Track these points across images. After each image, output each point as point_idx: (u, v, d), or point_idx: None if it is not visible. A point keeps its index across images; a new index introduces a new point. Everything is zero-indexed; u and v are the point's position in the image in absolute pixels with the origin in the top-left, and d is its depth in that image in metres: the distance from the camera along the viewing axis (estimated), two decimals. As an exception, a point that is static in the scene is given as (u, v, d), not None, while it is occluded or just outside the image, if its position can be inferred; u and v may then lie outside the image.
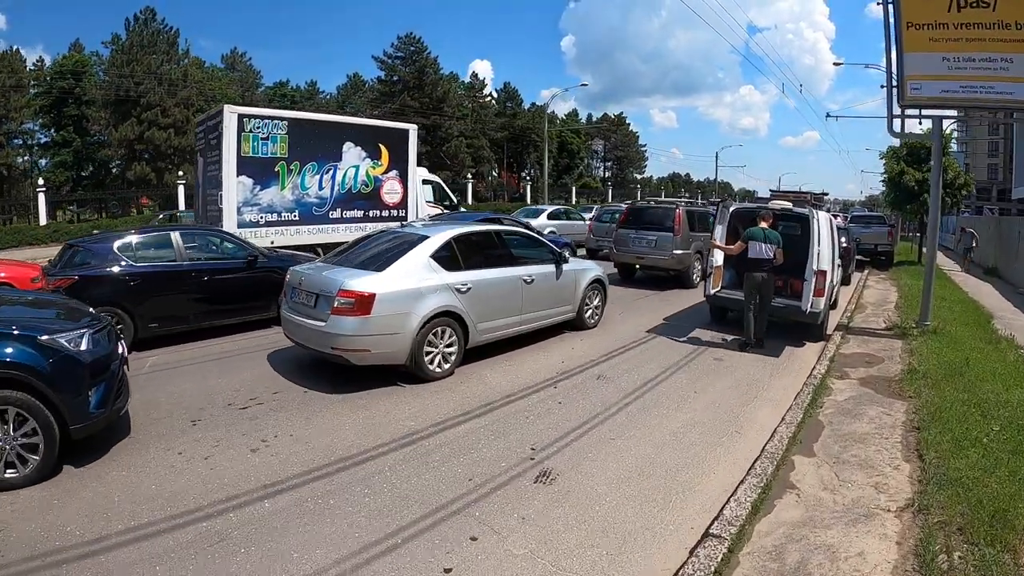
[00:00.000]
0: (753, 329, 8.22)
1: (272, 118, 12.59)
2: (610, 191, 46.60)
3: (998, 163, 61.19)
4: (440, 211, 16.57)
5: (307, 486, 4.05)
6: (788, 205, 9.02)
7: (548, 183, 54.31)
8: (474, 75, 52.58)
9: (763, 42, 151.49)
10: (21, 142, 47.60)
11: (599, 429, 5.26)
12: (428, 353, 6.33)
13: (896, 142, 21.09)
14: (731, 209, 9.49)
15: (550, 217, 19.60)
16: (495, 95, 55.11)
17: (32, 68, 47.83)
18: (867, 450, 4.77)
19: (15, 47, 46.64)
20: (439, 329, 6.44)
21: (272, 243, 11.95)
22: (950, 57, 8.67)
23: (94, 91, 44.68)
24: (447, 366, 6.54)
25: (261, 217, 12.39)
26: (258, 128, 12.24)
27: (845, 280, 15.25)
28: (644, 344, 8.58)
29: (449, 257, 6.82)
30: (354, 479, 4.19)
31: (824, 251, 8.50)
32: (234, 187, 11.95)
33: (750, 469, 4.42)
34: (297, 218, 12.85)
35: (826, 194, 24.58)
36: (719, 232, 9.31)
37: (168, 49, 44.54)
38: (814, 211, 8.23)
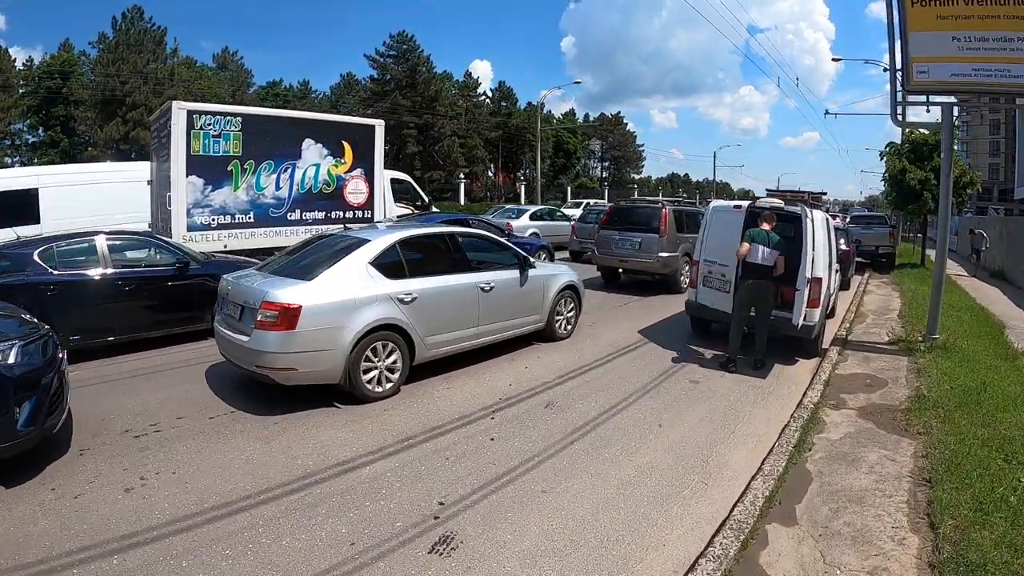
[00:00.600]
0: (756, 343, 7.27)
1: (224, 114, 11.80)
2: (606, 191, 45.50)
3: (999, 163, 60.16)
4: (410, 211, 15.64)
5: (165, 540, 3.38)
6: (779, 203, 7.98)
7: (544, 183, 53.41)
8: (468, 74, 51.73)
9: (764, 42, 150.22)
10: (10, 143, 46.82)
11: (530, 477, 4.27)
12: (367, 371, 5.63)
13: (897, 138, 20.01)
14: (711, 206, 8.45)
15: (532, 218, 18.57)
16: (490, 94, 54.14)
17: (22, 68, 47.10)
18: (864, 515, 3.72)
19: (3, 46, 45.86)
20: (379, 344, 5.71)
21: (225, 247, 11.25)
22: (960, 37, 7.61)
23: (81, 91, 43.86)
24: (390, 385, 5.80)
25: (213, 219, 11.61)
26: (209, 125, 11.47)
27: (844, 285, 14.19)
28: (613, 360, 7.57)
29: (392, 264, 6.07)
30: (219, 535, 3.45)
31: (819, 256, 7.48)
32: (183, 188, 11.19)
33: (707, 547, 3.38)
34: (252, 220, 12.05)
35: (824, 193, 23.49)
36: (706, 234, 8.30)
37: (155, 48, 43.80)
38: (808, 210, 7.16)
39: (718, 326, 8.49)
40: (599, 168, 65.90)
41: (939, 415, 5.41)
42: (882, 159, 18.90)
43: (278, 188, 12.36)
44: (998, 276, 18.98)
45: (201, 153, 11.39)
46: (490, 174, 54.50)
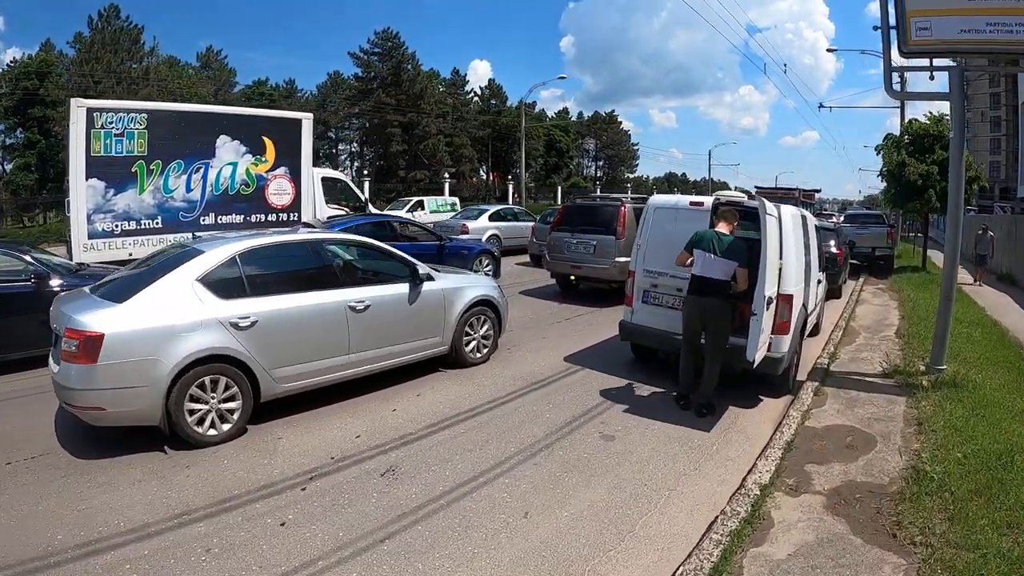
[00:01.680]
0: (703, 381, 5.51)
1: (128, 111, 10.75)
2: (598, 190, 43.62)
3: (1000, 160, 58.23)
4: (345, 213, 13.97)
5: None
6: (739, 196, 6.15)
7: (536, 183, 51.66)
8: (455, 71, 49.84)
9: (764, 42, 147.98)
10: (-12, 144, 45.38)
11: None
12: (195, 411, 4.56)
13: (896, 128, 18.13)
14: (654, 205, 6.61)
15: (492, 219, 16.73)
16: (479, 92, 52.21)
17: (7, 67, 45.63)
18: None
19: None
20: (207, 380, 4.61)
21: (130, 255, 10.18)
22: (973, -19, 5.81)
23: (57, 91, 42.25)
24: (228, 427, 4.69)
25: (116, 226, 10.57)
26: (111, 123, 10.47)
27: (834, 293, 12.32)
28: (517, 399, 5.86)
29: (228, 280, 4.89)
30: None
31: (791, 265, 5.68)
32: (83, 192, 10.24)
33: None
34: (160, 225, 10.93)
35: (818, 191, 21.59)
36: (644, 238, 6.50)
37: (131, 47, 42.10)
38: (769, 205, 5.29)
39: (665, 353, 6.68)
40: (593, 167, 63.93)
41: (945, 508, 3.62)
42: (879, 153, 16.97)
43: (189, 190, 11.25)
44: (1006, 280, 17.08)
45: (103, 154, 10.42)
46: (482, 174, 52.74)
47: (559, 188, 44.35)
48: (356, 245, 6.42)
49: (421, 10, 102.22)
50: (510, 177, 41.08)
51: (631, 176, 63.64)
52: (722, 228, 5.39)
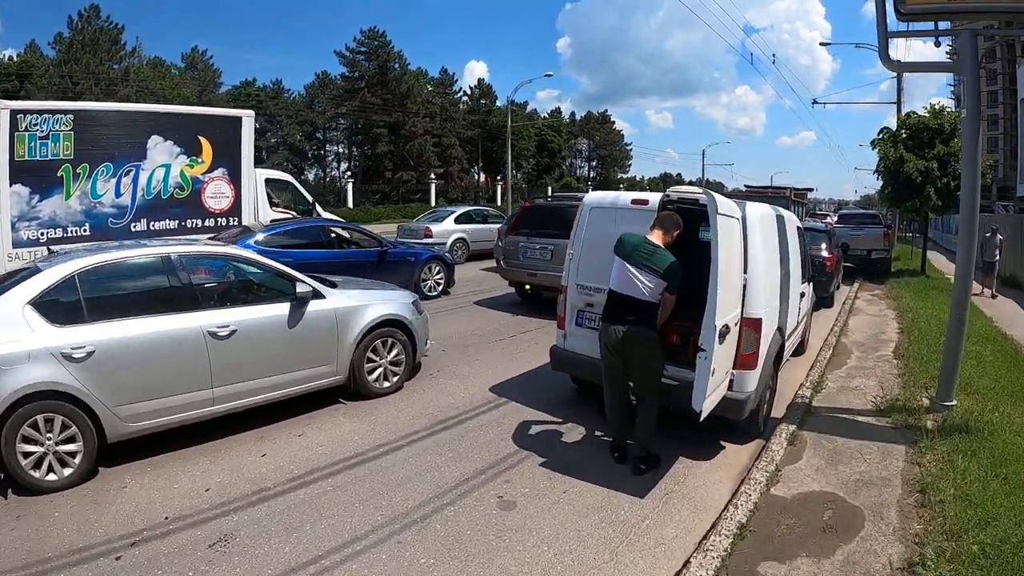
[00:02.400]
0: (638, 428, 4.26)
1: (54, 112, 9.80)
2: (589, 190, 42.34)
3: (998, 158, 57.03)
4: (291, 216, 12.72)
5: None
6: (697, 192, 4.83)
7: (527, 183, 50.38)
8: (444, 71, 48.45)
9: (760, 42, 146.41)
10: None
11: None
12: (30, 454, 3.81)
13: (892, 121, 16.83)
14: (589, 206, 5.31)
15: (460, 221, 15.43)
16: (469, 92, 50.84)
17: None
18: None
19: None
20: (42, 418, 3.85)
21: None
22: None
23: (37, 93, 41.07)
24: (69, 472, 3.93)
25: (41, 234, 9.65)
26: (36, 125, 9.59)
27: (825, 301, 11.01)
28: (415, 443, 4.70)
29: (63, 304, 4.12)
30: None
31: (757, 281, 4.38)
32: (6, 199, 9.41)
33: None
34: (88, 232, 9.94)
35: (811, 189, 20.32)
36: (578, 244, 5.21)
37: (110, 47, 40.88)
38: (722, 202, 3.92)
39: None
40: (586, 167, 62.52)
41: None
42: (875, 148, 15.64)
43: (118, 194, 10.25)
44: (1010, 284, 15.79)
45: (27, 158, 9.56)
46: (476, 175, 51.43)
47: (549, 188, 43.05)
48: (225, 258, 5.14)
49: (418, 11, 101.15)
50: (499, 178, 39.71)
51: (624, 176, 62.15)
52: (656, 238, 4.08)
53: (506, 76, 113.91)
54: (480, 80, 46.42)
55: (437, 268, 10.74)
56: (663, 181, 71.83)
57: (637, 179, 70.95)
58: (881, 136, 15.43)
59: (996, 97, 60.44)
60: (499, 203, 35.99)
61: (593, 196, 5.31)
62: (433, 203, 34.60)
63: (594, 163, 62.10)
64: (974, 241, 5.05)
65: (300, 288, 5.01)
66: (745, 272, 4.29)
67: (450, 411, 5.41)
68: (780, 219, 5.53)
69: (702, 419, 3.74)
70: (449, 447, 4.64)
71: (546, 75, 43.45)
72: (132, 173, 10.34)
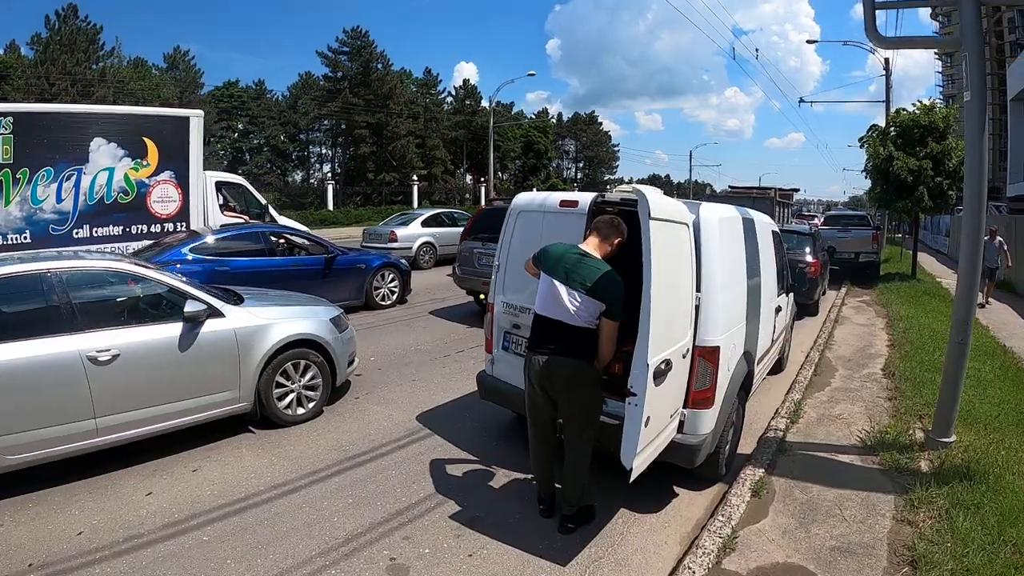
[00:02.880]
0: (565, 479, 3.45)
1: None
2: (578, 190, 41.55)
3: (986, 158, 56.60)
4: (244, 221, 11.87)
5: None
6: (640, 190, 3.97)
7: (514, 185, 49.44)
8: (428, 71, 47.50)
9: (749, 44, 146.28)
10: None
11: None
12: None
13: (881, 121, 16.19)
14: (514, 210, 4.44)
15: (427, 224, 14.54)
16: (454, 93, 49.89)
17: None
18: None
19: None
20: None
21: None
22: None
23: (14, 95, 39.89)
24: None
25: None
26: None
27: (810, 309, 10.20)
28: (316, 484, 3.98)
29: None
30: None
31: (712, 300, 3.54)
32: None
33: None
34: (28, 240, 9.48)
35: (797, 190, 19.56)
36: (504, 254, 4.35)
37: (87, 47, 39.75)
38: (660, 203, 2.97)
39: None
40: (573, 169, 61.69)
41: None
42: (863, 146, 14.85)
43: (60, 200, 9.73)
44: (1005, 288, 15.05)
45: None
46: (464, 176, 50.51)
47: (534, 189, 42.24)
48: (108, 273, 4.36)
49: (406, 13, 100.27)
50: (482, 179, 38.83)
51: (611, 178, 61.24)
52: (590, 247, 3.23)
53: (495, 78, 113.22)
54: (465, 81, 45.67)
55: (391, 275, 9.86)
56: (651, 182, 71.00)
57: (625, 180, 70.31)
58: (870, 134, 14.65)
59: (986, 97, 60.25)
60: (481, 204, 35.11)
61: (521, 198, 4.43)
62: (416, 205, 33.65)
63: (581, 164, 61.25)
64: (980, 246, 4.22)
65: (190, 307, 4.29)
66: (699, 290, 3.44)
67: (365, 444, 4.63)
68: (749, 223, 4.68)
69: (632, 479, 2.88)
70: (352, 490, 3.89)
71: (528, 74, 42.86)
72: (74, 177, 9.79)
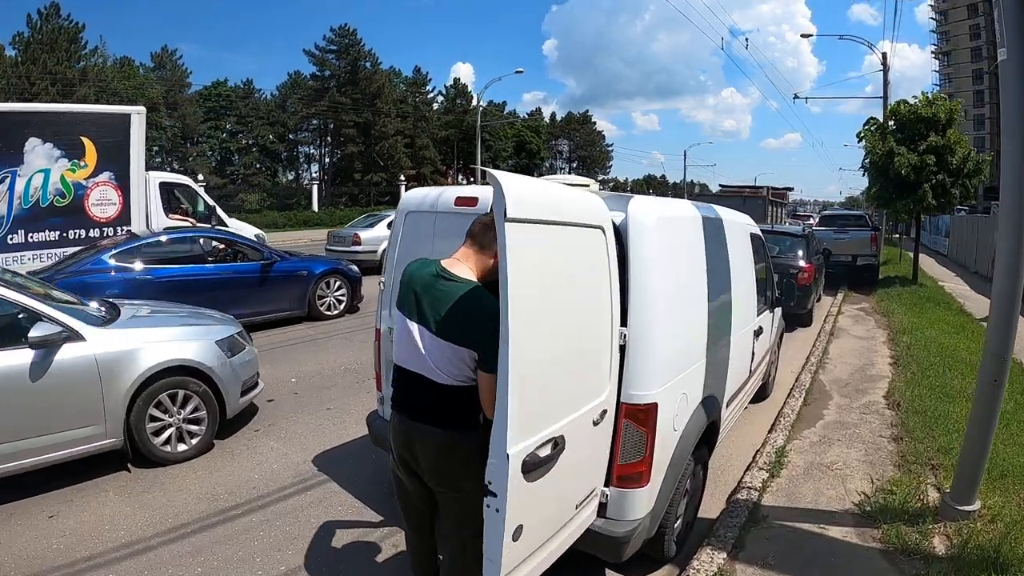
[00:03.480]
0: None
1: None
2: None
3: (985, 159, 55.65)
4: (191, 224, 10.98)
5: None
6: (577, 181, 2.89)
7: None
8: (417, 70, 46.38)
9: (746, 44, 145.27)
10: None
11: None
12: None
13: (878, 111, 15.20)
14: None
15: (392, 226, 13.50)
16: (444, 92, 48.78)
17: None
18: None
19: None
20: None
21: None
22: None
23: (-3, 95, 38.93)
24: None
25: None
26: None
27: (803, 319, 9.17)
28: (164, 546, 3.16)
29: None
30: None
31: (648, 338, 2.44)
32: None
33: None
34: None
35: (790, 189, 18.51)
36: (390, 268, 3.31)
37: (68, 46, 38.70)
38: (515, 198, 1.78)
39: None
40: (567, 169, 60.50)
41: None
42: (860, 141, 13.79)
43: None
44: None
45: None
46: (456, 176, 49.44)
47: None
48: None
49: (403, 13, 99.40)
50: (471, 180, 37.78)
51: (605, 178, 59.96)
52: (458, 261, 2.18)
53: (492, 77, 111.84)
54: (456, 79, 44.59)
55: (337, 283, 8.84)
56: (647, 183, 70.05)
57: (621, 180, 69.16)
58: (868, 128, 13.58)
59: (983, 96, 59.61)
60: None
61: (412, 195, 3.39)
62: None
63: (575, 164, 60.12)
64: (1021, 254, 3.12)
65: (37, 331, 3.54)
66: (624, 324, 2.38)
67: (244, 492, 3.79)
68: (713, 223, 3.63)
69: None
70: (207, 555, 3.09)
71: (517, 72, 41.72)
72: (7, 180, 9.06)
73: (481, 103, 35.26)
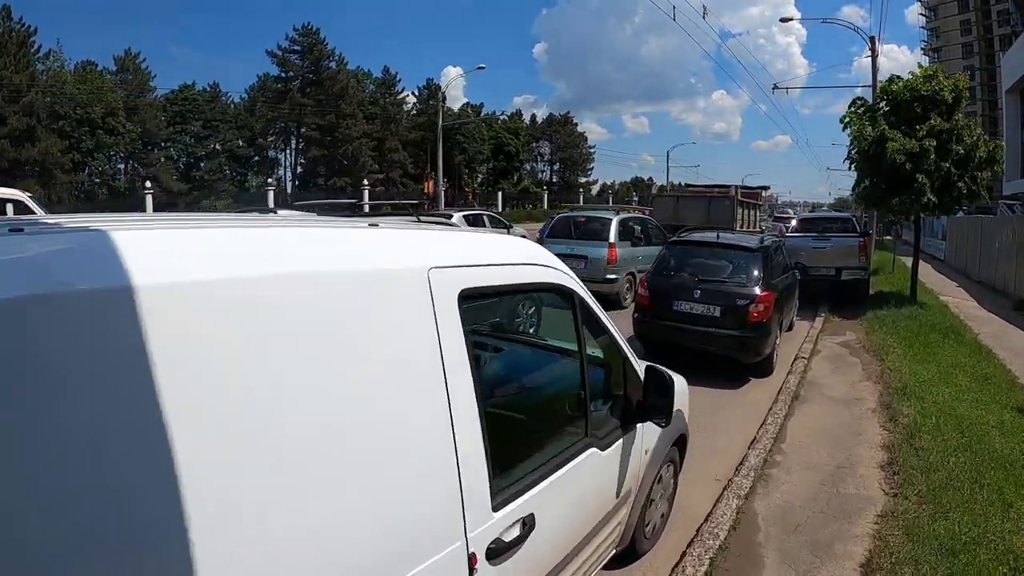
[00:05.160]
0: None
1: None
2: (545, 196, 37.53)
3: (1000, 146, 52.93)
4: None
5: None
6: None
7: (484, 188, 45.52)
8: (386, 69, 43.39)
9: (735, 47, 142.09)
10: None
11: None
12: None
13: (867, 83, 12.57)
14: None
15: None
16: (417, 93, 45.80)
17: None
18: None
19: None
20: None
21: None
22: None
23: (-49, 102, 36.17)
24: None
25: None
26: None
27: (764, 368, 6.29)
28: None
29: None
30: None
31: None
32: None
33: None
34: None
35: (766, 188, 15.58)
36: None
37: (17, 51, 35.95)
38: None
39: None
40: (548, 171, 57.43)
41: None
42: (845, 128, 10.85)
43: None
44: (1020, 308, 11.19)
45: None
46: (440, 179, 46.43)
47: (499, 195, 38.30)
48: None
49: (392, 15, 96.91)
50: (445, 182, 34.91)
51: (585, 180, 56.75)
52: None
53: (481, 82, 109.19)
54: (429, 80, 41.62)
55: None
56: (634, 185, 66.89)
57: (609, 184, 65.99)
58: (853, 111, 10.68)
59: (975, 93, 57.02)
60: (440, 207, 31.23)
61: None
62: (367, 211, 29.59)
63: (556, 167, 56.92)
64: None
65: None
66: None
67: None
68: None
69: None
70: None
71: (478, 68, 38.86)
72: None
73: (444, 102, 32.27)
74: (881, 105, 10.68)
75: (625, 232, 9.94)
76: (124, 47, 45.00)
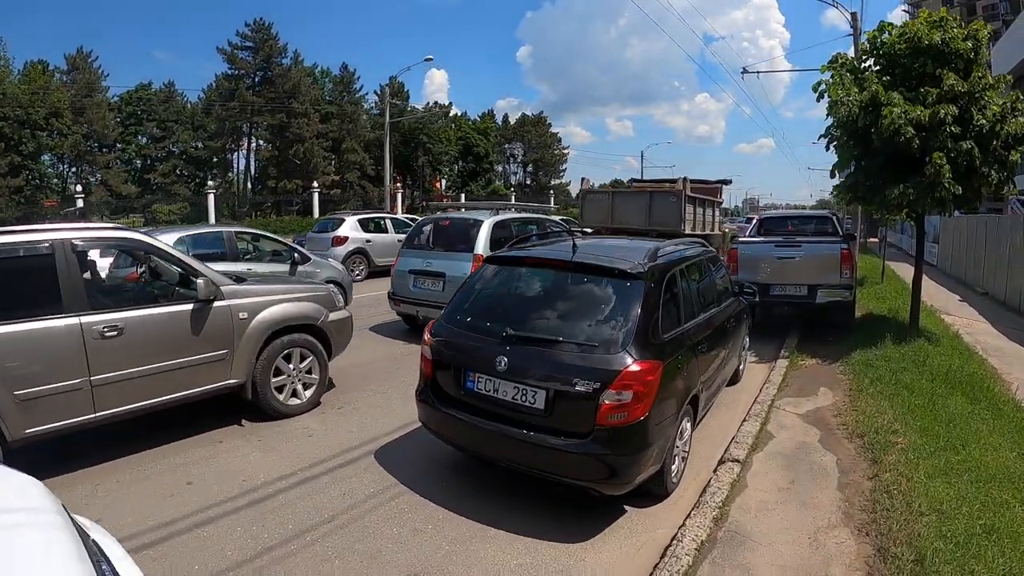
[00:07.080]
0: None
1: None
2: (513, 197, 34.39)
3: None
4: None
5: None
6: None
7: (452, 190, 42.31)
8: (344, 67, 40.06)
9: (719, 50, 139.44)
10: None
11: None
12: None
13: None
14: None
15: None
16: (378, 92, 42.41)
17: None
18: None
19: None
20: None
21: None
22: None
23: None
24: None
25: None
26: None
27: (648, 488, 3.00)
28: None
29: None
30: None
31: None
32: None
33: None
34: None
35: (727, 182, 12.32)
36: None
37: (-51, 54, 32.69)
38: None
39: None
40: (520, 173, 53.96)
41: None
42: (820, 97, 7.66)
43: None
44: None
45: None
46: (386, 182, 43.30)
47: (463, 196, 35.10)
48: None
49: (380, 19, 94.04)
50: (398, 184, 31.69)
51: (558, 182, 53.22)
52: None
53: (466, 86, 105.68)
54: (392, 78, 38.09)
55: None
56: (613, 186, 63.26)
57: (585, 183, 62.31)
58: (833, 66, 7.54)
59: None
60: (399, 211, 28.08)
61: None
62: (316, 215, 26.74)
63: (529, 168, 53.43)
64: None
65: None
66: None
67: None
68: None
69: None
70: None
71: (426, 59, 35.96)
72: None
73: (388, 96, 29.08)
74: (868, 64, 7.57)
75: (504, 239, 6.69)
76: (87, 46, 41.45)
